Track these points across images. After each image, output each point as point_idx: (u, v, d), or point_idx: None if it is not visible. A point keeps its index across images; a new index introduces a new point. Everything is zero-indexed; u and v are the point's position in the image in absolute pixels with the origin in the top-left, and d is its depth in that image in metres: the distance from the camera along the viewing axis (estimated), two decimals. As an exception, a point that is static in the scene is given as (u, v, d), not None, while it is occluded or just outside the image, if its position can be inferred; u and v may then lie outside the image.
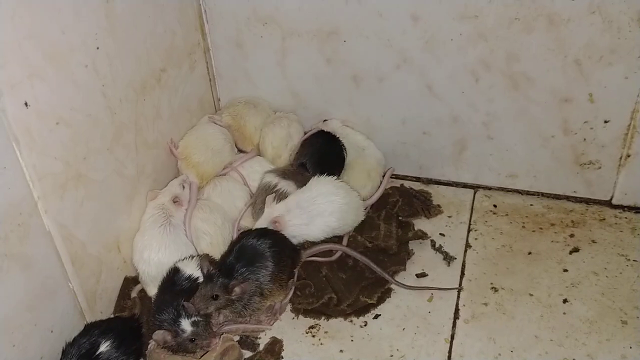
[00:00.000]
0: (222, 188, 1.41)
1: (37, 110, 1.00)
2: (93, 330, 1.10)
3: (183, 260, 1.23)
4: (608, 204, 1.43)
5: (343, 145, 1.48)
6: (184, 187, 1.37)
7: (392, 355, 1.14)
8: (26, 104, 0.98)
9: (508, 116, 1.39)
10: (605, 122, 1.33)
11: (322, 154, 1.45)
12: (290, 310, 1.25)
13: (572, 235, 1.36)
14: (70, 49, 1.06)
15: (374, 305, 1.23)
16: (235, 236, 1.34)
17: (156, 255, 1.25)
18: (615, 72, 1.26)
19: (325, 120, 1.53)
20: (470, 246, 1.36)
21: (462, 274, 1.29)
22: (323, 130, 1.50)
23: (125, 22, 1.21)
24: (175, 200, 1.33)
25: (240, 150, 1.55)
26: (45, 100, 1.02)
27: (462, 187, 1.53)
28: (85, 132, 1.12)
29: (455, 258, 1.32)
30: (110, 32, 1.16)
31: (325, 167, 1.39)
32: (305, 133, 1.54)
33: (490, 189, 1.51)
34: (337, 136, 1.48)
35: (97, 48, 1.13)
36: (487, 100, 1.38)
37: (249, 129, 1.52)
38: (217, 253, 1.29)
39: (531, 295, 1.23)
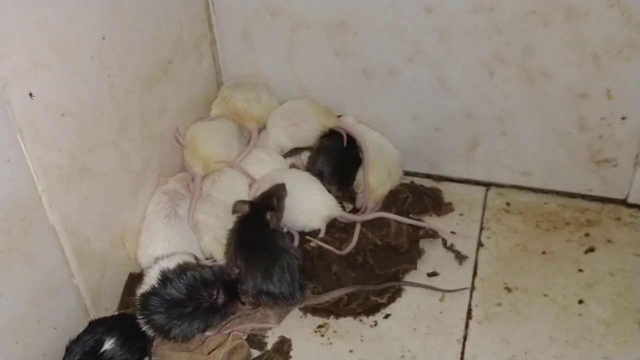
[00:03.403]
0: (222, 183, 1.37)
1: (42, 101, 0.97)
2: (97, 328, 1.08)
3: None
4: (623, 202, 1.39)
5: (359, 147, 1.42)
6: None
7: (403, 356, 1.12)
8: (31, 94, 0.95)
9: (523, 112, 1.35)
10: (623, 118, 1.29)
11: (338, 161, 1.40)
12: (299, 309, 1.22)
13: (587, 235, 1.33)
14: (76, 39, 1.03)
15: (384, 305, 1.20)
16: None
17: (161, 249, 1.22)
18: (634, 68, 1.23)
19: (339, 117, 1.48)
20: (482, 245, 1.33)
21: (475, 273, 1.26)
22: (337, 133, 1.43)
23: (132, 12, 1.18)
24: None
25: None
26: (51, 91, 0.99)
27: (474, 184, 1.50)
28: (90, 124, 1.10)
29: (467, 257, 1.29)
30: (116, 23, 1.13)
31: (342, 175, 1.39)
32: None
33: (503, 186, 1.48)
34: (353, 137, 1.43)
35: (103, 38, 1.10)
36: (502, 95, 1.35)
37: (239, 106, 1.47)
38: (219, 247, 1.27)
39: (546, 295, 1.20)
